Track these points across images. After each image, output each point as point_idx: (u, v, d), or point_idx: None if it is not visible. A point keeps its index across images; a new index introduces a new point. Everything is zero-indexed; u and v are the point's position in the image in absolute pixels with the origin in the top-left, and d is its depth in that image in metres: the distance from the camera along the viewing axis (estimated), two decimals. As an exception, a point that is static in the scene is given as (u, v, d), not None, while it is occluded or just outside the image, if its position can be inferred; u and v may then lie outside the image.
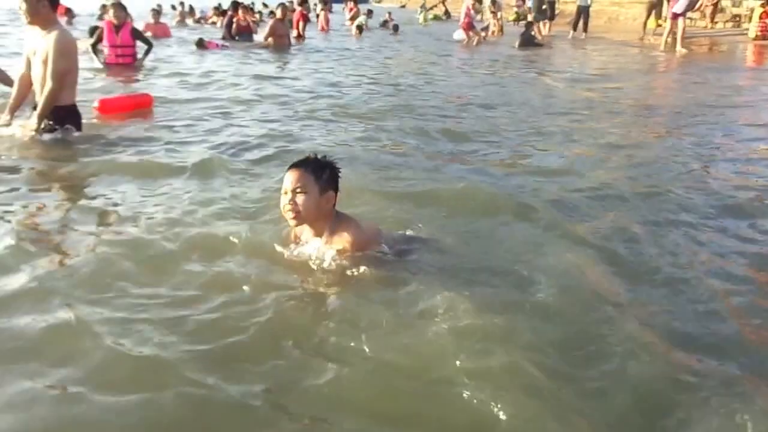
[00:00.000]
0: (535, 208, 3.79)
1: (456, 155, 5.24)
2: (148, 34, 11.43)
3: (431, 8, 29.33)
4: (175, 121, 6.16)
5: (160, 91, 7.66)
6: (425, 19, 25.34)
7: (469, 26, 17.76)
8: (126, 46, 9.28)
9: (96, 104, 6.14)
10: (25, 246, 3.09)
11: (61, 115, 4.97)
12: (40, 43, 4.79)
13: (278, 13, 14.45)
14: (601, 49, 15.88)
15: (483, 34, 18.28)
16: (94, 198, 3.88)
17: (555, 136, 6.01)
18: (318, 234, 2.89)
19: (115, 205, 3.73)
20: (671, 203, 4.07)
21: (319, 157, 2.90)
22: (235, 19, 15.02)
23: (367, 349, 2.26)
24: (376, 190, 4.04)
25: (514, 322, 2.45)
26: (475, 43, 17.13)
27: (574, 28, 19.43)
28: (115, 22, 9.22)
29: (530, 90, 9.03)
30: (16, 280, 2.75)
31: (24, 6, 4.73)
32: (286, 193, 2.78)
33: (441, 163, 5.00)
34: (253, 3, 20.29)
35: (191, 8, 22.72)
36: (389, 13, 23.88)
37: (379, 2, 53.12)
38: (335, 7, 28.02)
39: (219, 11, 20.65)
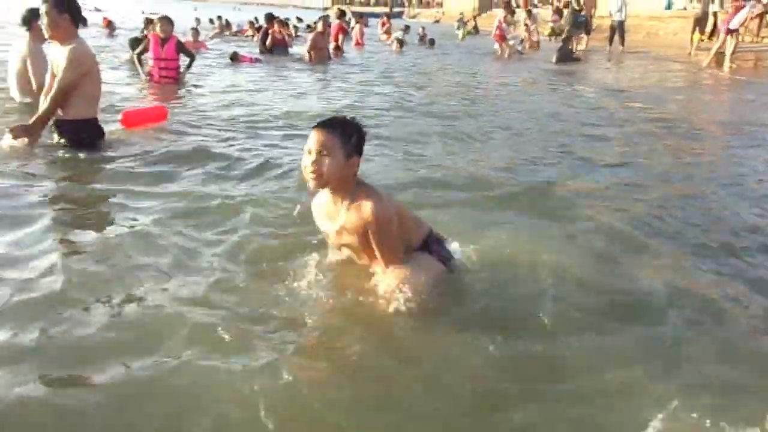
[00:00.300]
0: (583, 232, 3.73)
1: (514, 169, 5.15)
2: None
3: (466, 23, 29.48)
4: (197, 136, 5.99)
5: (189, 104, 7.67)
6: (464, 34, 25.40)
7: (502, 38, 17.74)
8: (170, 59, 9.36)
9: (120, 117, 6.09)
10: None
11: (75, 128, 4.94)
12: (58, 57, 4.82)
13: (319, 27, 14.48)
14: (645, 64, 15.64)
15: (518, 48, 18.20)
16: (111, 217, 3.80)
17: (607, 152, 5.85)
18: (338, 200, 2.75)
19: (130, 225, 3.59)
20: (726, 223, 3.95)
21: (348, 118, 2.75)
22: (270, 33, 15.16)
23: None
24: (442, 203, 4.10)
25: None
26: (506, 55, 17.06)
27: (610, 43, 19.25)
28: (161, 35, 9.32)
29: (572, 104, 8.88)
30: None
31: (45, 20, 4.73)
32: (309, 153, 2.61)
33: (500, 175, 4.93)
34: (288, 18, 20.39)
35: (227, 22, 23.15)
36: (423, 28, 24.00)
37: (413, 17, 53.46)
38: (370, 21, 28.28)
39: (254, 26, 20.89)
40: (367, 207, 2.64)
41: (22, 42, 6.50)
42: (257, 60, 13.45)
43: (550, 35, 23.05)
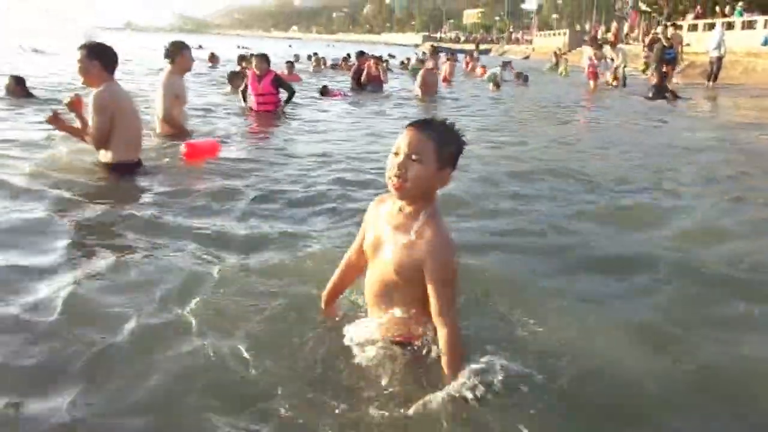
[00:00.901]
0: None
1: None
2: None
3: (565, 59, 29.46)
4: (265, 171, 5.80)
5: (278, 135, 7.82)
6: (565, 71, 25.36)
7: (594, 74, 17.60)
8: (268, 94, 9.84)
9: (183, 149, 5.94)
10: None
11: (116, 172, 5.10)
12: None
13: (429, 64, 14.22)
14: (746, 99, 15.06)
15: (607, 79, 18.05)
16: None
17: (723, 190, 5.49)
18: (410, 211, 2.34)
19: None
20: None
21: (448, 123, 2.37)
22: (366, 68, 15.46)
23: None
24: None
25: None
26: (592, 87, 16.95)
27: (709, 79, 18.73)
28: (257, 72, 9.89)
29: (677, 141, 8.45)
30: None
31: (77, 66, 4.96)
32: (397, 154, 2.26)
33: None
34: (381, 55, 21.02)
35: (323, 59, 24.27)
36: (509, 62, 24.24)
37: (501, 54, 53.62)
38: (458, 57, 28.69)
39: (347, 63, 21.78)
40: (441, 244, 2.28)
41: (162, 74, 7.07)
42: (345, 95, 13.84)
43: (643, 70, 22.70)
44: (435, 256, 2.25)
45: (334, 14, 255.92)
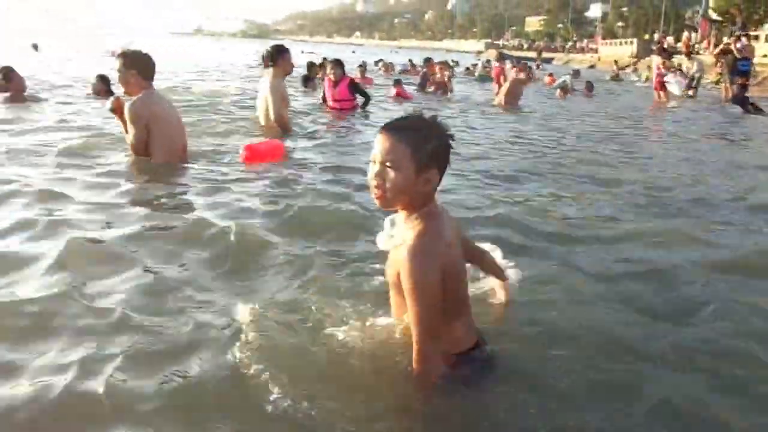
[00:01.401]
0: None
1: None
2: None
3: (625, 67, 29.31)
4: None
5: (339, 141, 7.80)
6: (646, 77, 25.45)
7: (661, 85, 17.22)
8: (344, 99, 10.07)
9: (242, 152, 5.96)
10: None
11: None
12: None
13: (522, 75, 13.83)
14: None
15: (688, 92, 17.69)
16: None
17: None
18: (407, 219, 2.20)
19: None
20: None
21: (426, 118, 2.19)
22: (430, 76, 15.74)
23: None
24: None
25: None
26: (659, 98, 16.65)
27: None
28: (332, 78, 10.15)
29: None
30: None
31: (117, 77, 5.19)
32: (374, 162, 2.13)
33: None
34: (445, 60, 21.27)
35: (392, 64, 25.32)
36: (578, 71, 24.13)
37: (566, 63, 52.93)
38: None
39: (415, 68, 22.32)
40: (414, 249, 2.08)
41: (266, 76, 7.51)
42: (410, 97, 14.05)
43: (716, 82, 22.17)
44: (404, 263, 2.06)
45: (396, 20, 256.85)
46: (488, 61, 28.85)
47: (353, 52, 53.10)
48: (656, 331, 2.82)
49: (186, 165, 5.52)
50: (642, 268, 3.62)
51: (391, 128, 2.14)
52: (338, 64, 10.32)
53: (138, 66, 5.14)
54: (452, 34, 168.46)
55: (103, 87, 10.06)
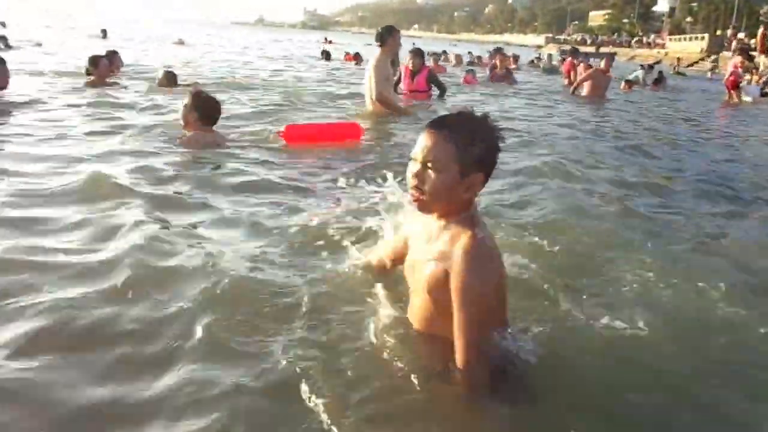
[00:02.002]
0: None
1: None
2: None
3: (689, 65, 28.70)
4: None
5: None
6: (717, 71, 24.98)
7: (735, 84, 16.57)
8: (420, 91, 9.86)
9: (282, 130, 5.91)
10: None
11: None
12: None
13: (602, 64, 13.61)
14: None
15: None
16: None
17: None
18: (443, 226, 2.03)
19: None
20: None
21: (477, 116, 2.01)
22: (494, 69, 15.94)
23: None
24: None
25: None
26: (729, 98, 16.15)
27: None
28: (411, 68, 10.01)
29: None
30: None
31: (181, 111, 5.42)
32: (414, 160, 1.98)
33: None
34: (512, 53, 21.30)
35: (460, 56, 25.61)
36: (652, 65, 23.75)
37: (631, 59, 51.69)
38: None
39: (481, 60, 22.67)
40: (464, 241, 1.91)
41: (373, 56, 7.76)
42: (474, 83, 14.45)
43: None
44: (461, 270, 1.87)
45: (456, 13, 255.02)
46: (550, 55, 28.90)
47: (413, 44, 53.01)
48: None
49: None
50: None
51: (437, 124, 1.98)
52: (418, 53, 9.91)
53: (200, 110, 5.38)
54: (512, 27, 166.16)
55: (166, 83, 10.09)
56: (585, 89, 13.25)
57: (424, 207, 2.00)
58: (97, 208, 3.69)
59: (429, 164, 1.93)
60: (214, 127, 5.60)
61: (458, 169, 1.92)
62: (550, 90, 14.80)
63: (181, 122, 5.50)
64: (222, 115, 5.75)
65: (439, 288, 1.95)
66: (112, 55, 11.01)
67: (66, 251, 3.01)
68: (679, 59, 31.42)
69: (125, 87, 9.59)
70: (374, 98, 7.53)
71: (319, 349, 2.20)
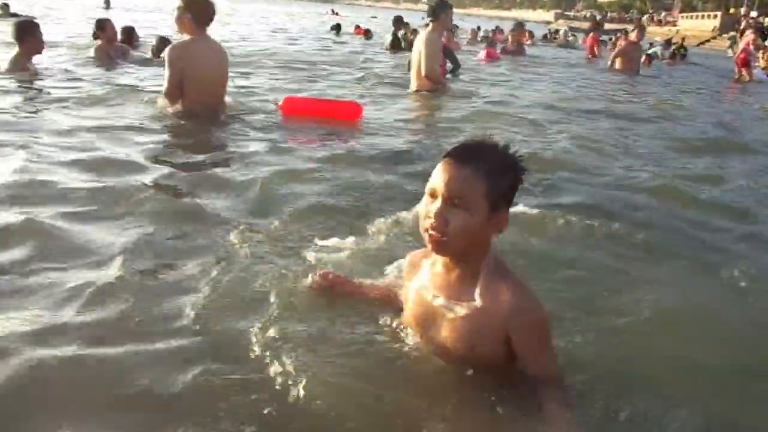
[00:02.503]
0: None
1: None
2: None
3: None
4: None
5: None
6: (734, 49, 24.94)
7: (745, 62, 16.20)
8: None
9: (280, 102, 5.90)
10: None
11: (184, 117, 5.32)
12: None
13: (633, 36, 13.70)
14: None
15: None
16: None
17: None
18: (460, 270, 1.82)
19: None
20: None
21: (500, 146, 1.80)
22: (504, 43, 16.01)
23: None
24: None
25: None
26: (739, 76, 15.88)
27: None
28: None
29: None
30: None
31: (174, 14, 5.27)
32: (434, 196, 1.73)
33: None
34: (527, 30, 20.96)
35: (476, 30, 24.87)
36: (669, 41, 23.62)
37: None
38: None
39: (495, 33, 22.43)
40: (525, 300, 1.76)
41: (424, 31, 7.60)
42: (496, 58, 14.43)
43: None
44: (525, 318, 1.74)
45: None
46: (557, 31, 28.84)
47: (423, 18, 52.44)
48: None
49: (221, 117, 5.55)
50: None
51: (462, 156, 1.72)
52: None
53: (194, 10, 5.23)
54: (521, 3, 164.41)
55: (162, 46, 9.81)
56: (618, 63, 13.22)
57: (444, 249, 1.77)
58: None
59: (456, 201, 1.69)
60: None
61: (488, 207, 1.71)
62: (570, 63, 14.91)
63: (176, 26, 5.38)
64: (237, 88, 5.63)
65: (486, 345, 1.79)
66: (131, 31, 10.58)
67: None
68: (683, 39, 30.96)
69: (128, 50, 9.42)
70: (424, 74, 7.38)
71: (327, 353, 1.99)
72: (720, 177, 4.97)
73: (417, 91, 7.58)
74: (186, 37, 5.31)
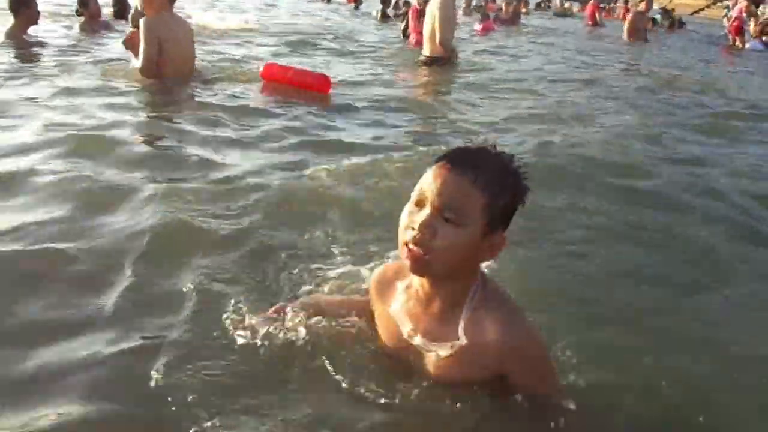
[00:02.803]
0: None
1: None
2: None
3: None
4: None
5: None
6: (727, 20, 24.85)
7: (738, 30, 15.96)
8: None
9: (261, 69, 6.13)
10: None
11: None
12: None
13: (641, 6, 13.98)
14: None
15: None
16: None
17: None
18: (440, 297, 1.58)
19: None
20: None
21: (503, 154, 1.54)
22: (497, 11, 15.85)
23: None
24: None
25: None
26: (732, 43, 15.74)
27: None
28: (418, 7, 9.75)
29: None
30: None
31: None
32: (421, 204, 1.48)
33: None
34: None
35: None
36: (669, 10, 23.47)
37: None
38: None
39: (487, 2, 22.04)
40: (513, 342, 1.51)
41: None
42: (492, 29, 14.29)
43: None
44: (519, 355, 1.52)
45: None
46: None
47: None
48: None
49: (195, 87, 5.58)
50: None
51: (461, 162, 1.46)
52: None
53: None
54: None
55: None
56: (625, 33, 13.40)
57: (423, 268, 1.49)
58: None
59: (447, 213, 1.44)
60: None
61: (484, 223, 1.46)
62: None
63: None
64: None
65: (475, 376, 1.58)
66: (124, 2, 10.28)
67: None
68: (673, 9, 30.78)
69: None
70: (438, 41, 7.19)
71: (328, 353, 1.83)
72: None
73: (429, 56, 7.41)
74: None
